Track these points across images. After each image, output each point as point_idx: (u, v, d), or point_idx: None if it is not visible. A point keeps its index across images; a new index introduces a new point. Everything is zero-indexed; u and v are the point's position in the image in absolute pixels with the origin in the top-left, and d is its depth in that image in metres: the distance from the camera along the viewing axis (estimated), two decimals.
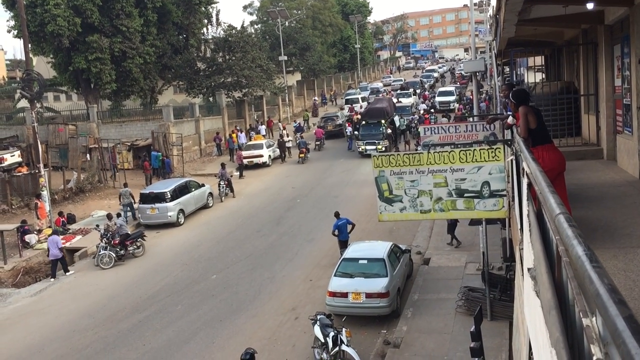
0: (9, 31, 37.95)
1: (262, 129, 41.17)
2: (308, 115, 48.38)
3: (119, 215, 21.85)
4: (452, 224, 17.98)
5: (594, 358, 1.77)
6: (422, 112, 41.11)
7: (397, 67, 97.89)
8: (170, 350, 13.57)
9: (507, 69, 28.61)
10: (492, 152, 10.40)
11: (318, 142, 37.27)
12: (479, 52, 56.60)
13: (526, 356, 4.14)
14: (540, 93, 13.67)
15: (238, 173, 31.39)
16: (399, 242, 16.94)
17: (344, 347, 11.19)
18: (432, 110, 41.40)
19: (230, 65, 42.92)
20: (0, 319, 16.64)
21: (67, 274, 19.47)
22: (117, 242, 20.03)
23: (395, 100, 44.44)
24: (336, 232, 17.43)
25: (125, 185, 25.54)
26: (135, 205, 24.45)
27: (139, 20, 39.40)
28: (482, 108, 31.90)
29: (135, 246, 20.58)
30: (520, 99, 6.90)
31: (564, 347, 2.12)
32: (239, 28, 45.89)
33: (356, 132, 34.38)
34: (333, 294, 13.88)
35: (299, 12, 70.09)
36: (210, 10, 48.59)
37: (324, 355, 11.38)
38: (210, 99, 43.31)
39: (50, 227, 22.23)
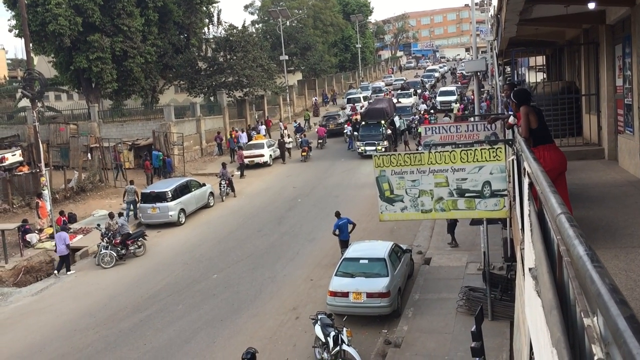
0: (10, 30, 38.04)
1: (262, 129, 41.18)
2: (309, 114, 48.47)
3: (120, 214, 21.93)
4: (452, 224, 17.99)
5: (595, 358, 1.77)
6: (422, 112, 41.07)
7: (398, 66, 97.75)
8: (171, 349, 13.58)
9: (508, 69, 28.59)
10: (493, 151, 10.38)
11: (320, 141, 37.39)
12: (480, 52, 56.50)
13: (527, 356, 4.14)
14: (541, 93, 13.68)
15: (239, 172, 31.44)
16: (399, 241, 16.93)
17: (344, 347, 11.20)
18: (432, 110, 41.31)
19: (232, 65, 42.90)
20: (1, 318, 16.66)
21: (69, 273, 19.50)
22: (118, 241, 20.05)
23: (395, 100, 44.41)
24: (337, 232, 17.45)
25: (132, 182, 25.71)
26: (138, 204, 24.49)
27: (140, 19, 39.43)
28: (483, 108, 31.85)
29: (136, 245, 20.61)
30: (522, 98, 6.90)
31: (565, 347, 2.12)
32: (240, 28, 45.93)
33: (356, 133, 34.37)
34: (334, 294, 13.89)
35: (300, 11, 70.12)
36: (212, 9, 48.68)
37: (325, 355, 11.38)
38: (211, 98, 43.32)
39: (51, 226, 22.25)
